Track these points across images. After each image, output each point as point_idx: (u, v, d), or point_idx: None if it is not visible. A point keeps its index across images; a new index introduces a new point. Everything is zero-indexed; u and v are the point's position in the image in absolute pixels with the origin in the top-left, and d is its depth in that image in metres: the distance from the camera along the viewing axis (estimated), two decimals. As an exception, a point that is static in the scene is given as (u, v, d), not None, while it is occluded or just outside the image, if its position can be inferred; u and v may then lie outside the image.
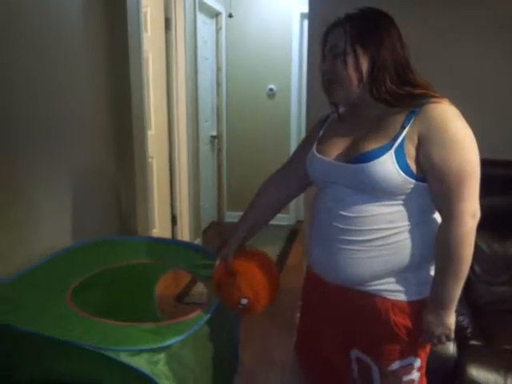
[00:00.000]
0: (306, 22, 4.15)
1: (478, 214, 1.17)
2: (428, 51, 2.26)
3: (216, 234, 4.65)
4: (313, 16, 2.54)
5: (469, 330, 1.88)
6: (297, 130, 4.70)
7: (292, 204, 4.36)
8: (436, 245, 1.22)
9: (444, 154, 1.14)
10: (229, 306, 1.52)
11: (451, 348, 1.83)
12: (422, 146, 1.17)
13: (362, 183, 1.21)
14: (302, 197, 1.73)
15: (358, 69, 1.21)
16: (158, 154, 3.48)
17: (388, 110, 1.23)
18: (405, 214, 1.22)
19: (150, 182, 3.19)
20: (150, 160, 3.17)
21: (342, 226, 1.25)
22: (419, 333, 1.27)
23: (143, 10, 2.85)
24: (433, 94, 1.20)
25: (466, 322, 1.87)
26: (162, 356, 1.33)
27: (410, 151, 1.17)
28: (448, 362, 1.82)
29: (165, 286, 3.03)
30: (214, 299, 1.57)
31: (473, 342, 1.89)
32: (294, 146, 4.65)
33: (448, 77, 2.21)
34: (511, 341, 1.91)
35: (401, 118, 1.20)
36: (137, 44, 2.64)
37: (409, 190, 1.20)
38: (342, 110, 1.39)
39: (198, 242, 4.06)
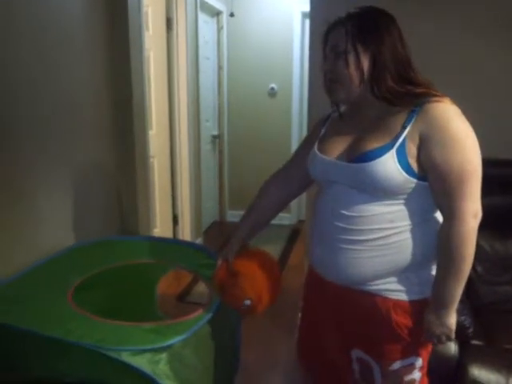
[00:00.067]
0: (307, 21, 4.15)
1: (480, 214, 1.17)
2: (428, 50, 2.25)
3: (217, 233, 4.65)
4: (314, 15, 2.54)
5: (470, 330, 1.87)
6: (298, 129, 4.70)
7: (293, 203, 4.36)
8: (437, 244, 1.22)
9: (445, 153, 1.14)
10: (232, 306, 1.52)
11: (453, 348, 1.83)
12: (423, 145, 1.16)
13: (363, 183, 1.21)
14: (303, 196, 1.73)
15: (359, 68, 1.21)
16: (160, 153, 3.48)
17: (389, 109, 1.23)
18: (406, 213, 1.22)
19: (152, 182, 3.19)
20: (151, 159, 3.17)
21: (343, 226, 1.25)
22: (420, 332, 1.27)
23: (144, 9, 2.85)
24: (434, 92, 1.19)
25: (467, 321, 1.87)
26: (163, 356, 1.33)
27: (412, 150, 1.17)
28: (450, 362, 1.82)
29: (166, 286, 3.04)
30: (216, 299, 1.56)
31: (474, 342, 1.89)
32: (295, 144, 4.65)
33: (448, 75, 2.20)
34: (513, 340, 1.91)
35: (402, 117, 1.19)
36: (138, 43, 2.64)
37: (410, 190, 1.19)
38: (343, 108, 1.39)
39: (199, 241, 4.06)
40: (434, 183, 1.18)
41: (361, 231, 1.23)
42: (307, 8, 2.65)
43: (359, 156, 1.21)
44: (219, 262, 1.52)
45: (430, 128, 1.15)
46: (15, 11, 1.79)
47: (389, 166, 1.16)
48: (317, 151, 1.35)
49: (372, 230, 1.23)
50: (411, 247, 1.23)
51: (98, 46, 2.38)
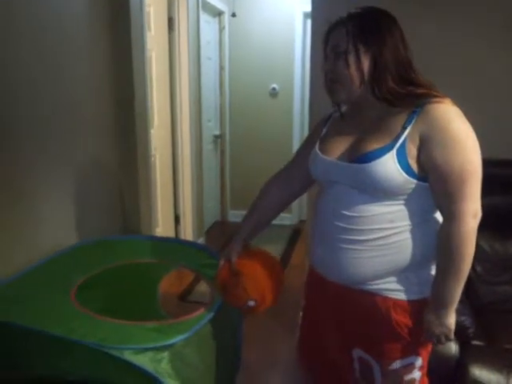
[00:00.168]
0: (308, 22, 4.16)
1: (480, 214, 1.17)
2: (430, 51, 2.26)
3: (219, 233, 4.66)
4: (316, 15, 2.54)
5: (471, 330, 1.88)
6: (299, 129, 4.70)
7: (295, 204, 4.36)
8: (437, 244, 1.22)
9: (446, 154, 1.14)
10: (235, 306, 1.53)
11: (453, 348, 1.83)
12: (423, 146, 1.17)
13: (363, 183, 1.21)
14: (304, 196, 1.73)
15: (359, 68, 1.21)
16: (162, 153, 3.49)
17: (390, 110, 1.23)
18: (406, 213, 1.22)
19: (153, 182, 3.20)
20: (153, 159, 3.18)
21: (343, 226, 1.26)
22: (420, 332, 1.27)
23: (146, 9, 2.86)
24: (435, 93, 1.20)
25: (467, 321, 1.87)
26: (165, 354, 1.34)
27: (412, 151, 1.18)
28: (450, 362, 1.82)
29: (168, 285, 3.04)
30: (217, 298, 1.57)
31: (475, 342, 1.89)
32: (296, 144, 4.65)
33: (450, 76, 2.20)
34: (513, 340, 1.91)
35: (402, 117, 1.20)
36: (140, 43, 2.65)
37: (410, 190, 1.20)
38: (344, 109, 1.39)
39: (201, 241, 4.07)
40: (434, 184, 1.19)
41: (361, 231, 1.24)
42: (309, 8, 2.65)
43: (360, 156, 1.22)
44: (222, 262, 1.52)
45: (430, 129, 1.16)
46: (15, 11, 1.78)
47: (389, 166, 1.17)
48: (318, 151, 1.35)
49: (372, 230, 1.23)
50: (411, 247, 1.23)
51: (100, 45, 2.39)
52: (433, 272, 1.27)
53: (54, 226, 2.08)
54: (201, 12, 3.89)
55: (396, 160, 1.17)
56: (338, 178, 1.28)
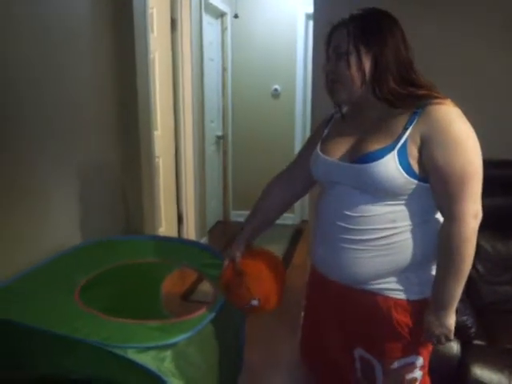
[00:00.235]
0: (310, 23, 4.15)
1: (480, 215, 1.18)
2: (431, 52, 2.26)
3: (222, 233, 4.67)
4: (318, 16, 2.55)
5: (472, 330, 1.88)
6: (301, 130, 4.71)
7: (297, 204, 4.35)
8: (438, 244, 1.22)
9: (447, 155, 1.15)
10: (238, 306, 1.53)
11: (455, 347, 1.83)
12: (424, 146, 1.17)
13: (364, 183, 1.22)
14: (306, 197, 1.74)
15: (360, 69, 1.22)
16: (165, 154, 3.50)
17: (391, 111, 1.23)
18: (407, 213, 1.23)
19: (157, 182, 3.21)
20: (156, 160, 3.19)
21: (345, 226, 1.26)
22: (421, 331, 1.28)
23: (149, 10, 2.87)
24: (436, 94, 1.20)
25: (469, 321, 1.87)
26: (168, 353, 1.35)
27: (413, 152, 1.18)
28: (451, 362, 1.82)
29: (171, 285, 3.05)
30: (220, 298, 1.58)
31: (476, 342, 1.90)
32: (298, 145, 4.66)
33: (451, 77, 2.20)
34: (515, 340, 1.92)
35: (404, 118, 1.20)
36: (143, 44, 2.66)
37: (411, 191, 1.21)
38: (345, 109, 1.40)
39: (203, 240, 4.08)
40: (435, 184, 1.19)
41: (363, 231, 1.25)
42: (311, 9, 2.66)
43: (361, 157, 1.22)
44: (225, 263, 1.52)
45: (431, 130, 1.16)
46: (17, 11, 1.78)
47: (390, 167, 1.17)
48: (319, 152, 1.36)
49: (374, 229, 1.24)
50: (412, 247, 1.24)
51: (103, 47, 2.40)
52: (434, 272, 1.27)
53: (57, 226, 2.09)
54: (203, 13, 3.90)
55: (397, 160, 1.17)
56: (340, 179, 1.29)
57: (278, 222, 1.64)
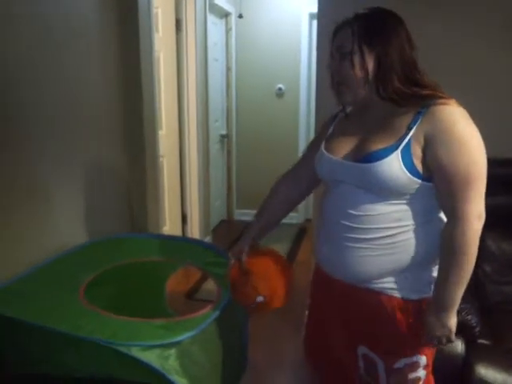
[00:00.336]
0: (315, 22, 4.15)
1: (484, 216, 1.17)
2: (435, 51, 2.26)
3: (226, 232, 4.68)
4: (322, 16, 2.55)
5: (477, 329, 1.87)
6: (305, 129, 4.71)
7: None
8: (440, 245, 1.22)
9: (451, 155, 1.14)
10: (244, 305, 1.53)
11: (459, 347, 1.82)
12: (428, 146, 1.17)
13: (368, 183, 1.22)
14: (310, 195, 1.74)
15: (363, 68, 1.22)
16: (169, 153, 3.51)
17: (395, 110, 1.23)
18: (412, 212, 1.23)
19: (161, 181, 3.22)
20: (160, 159, 3.20)
21: (349, 225, 1.27)
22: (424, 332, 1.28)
23: (154, 10, 2.87)
24: (440, 94, 1.19)
25: (474, 321, 1.87)
26: (172, 351, 1.35)
27: (417, 152, 1.18)
28: (456, 361, 1.81)
29: (175, 283, 3.06)
30: (224, 296, 1.58)
31: (481, 341, 1.89)
32: (302, 144, 4.66)
33: (455, 77, 2.20)
34: (520, 340, 1.91)
35: (408, 118, 1.20)
36: (148, 44, 2.67)
37: (414, 190, 1.20)
38: (349, 109, 1.40)
39: (207, 239, 4.08)
40: (439, 184, 1.19)
41: (367, 230, 1.25)
42: (315, 9, 2.66)
43: (365, 156, 1.22)
44: (231, 261, 1.53)
45: (435, 130, 1.16)
46: (18, 11, 1.78)
47: (394, 166, 1.17)
48: (324, 150, 1.36)
49: (378, 228, 1.24)
50: (417, 246, 1.24)
51: (108, 47, 2.40)
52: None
53: (61, 226, 2.09)
54: (208, 13, 3.91)
55: (401, 160, 1.17)
56: (344, 178, 1.29)
57: (282, 220, 1.64)
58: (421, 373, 1.33)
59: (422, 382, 1.34)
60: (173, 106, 3.56)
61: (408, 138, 1.18)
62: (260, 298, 1.44)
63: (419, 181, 1.19)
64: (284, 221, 1.62)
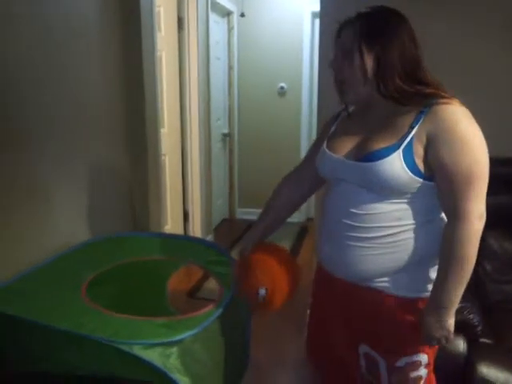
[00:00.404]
0: (317, 21, 4.15)
1: (485, 216, 1.17)
2: (440, 50, 2.25)
3: (227, 230, 4.68)
4: (324, 15, 2.55)
5: (479, 328, 1.87)
6: (307, 127, 4.71)
7: (303, 202, 4.37)
8: (440, 244, 1.21)
9: (454, 154, 1.14)
10: (248, 298, 1.53)
11: (461, 346, 1.82)
12: (430, 145, 1.17)
13: (370, 182, 1.22)
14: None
15: (363, 68, 1.22)
16: (171, 151, 3.51)
17: (397, 109, 1.23)
18: (413, 211, 1.23)
19: (163, 180, 3.22)
20: (162, 158, 3.20)
21: (351, 223, 1.27)
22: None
23: (156, 9, 2.88)
24: (443, 94, 1.19)
25: (476, 319, 1.87)
26: (174, 350, 1.35)
27: (418, 151, 1.18)
28: (458, 360, 1.81)
29: (177, 282, 3.07)
30: (226, 295, 1.59)
31: (483, 340, 1.88)
32: (304, 143, 4.66)
33: (450, 76, 2.19)
34: (522, 339, 1.91)
35: (410, 117, 1.20)
36: (150, 43, 2.66)
37: (416, 189, 1.20)
38: (352, 108, 1.40)
39: (209, 238, 4.09)
40: (440, 183, 1.19)
41: (369, 229, 1.25)
42: (317, 8, 2.65)
43: (366, 155, 1.22)
44: (237, 259, 1.54)
45: (437, 129, 1.15)
46: (18, 11, 1.78)
47: (395, 165, 1.17)
48: (326, 149, 1.36)
49: (380, 227, 1.24)
50: (418, 245, 1.24)
51: (110, 46, 2.40)
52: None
53: (63, 224, 2.10)
54: (210, 12, 3.91)
55: (402, 159, 1.17)
56: (345, 176, 1.29)
57: (283, 219, 1.64)
58: (422, 371, 1.32)
59: (424, 381, 1.34)
60: (175, 104, 3.56)
61: (410, 137, 1.18)
62: (262, 291, 1.43)
63: (420, 180, 1.19)
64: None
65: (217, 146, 4.51)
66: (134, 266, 1.93)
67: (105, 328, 1.39)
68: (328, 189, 1.40)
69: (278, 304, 1.49)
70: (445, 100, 1.18)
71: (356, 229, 1.26)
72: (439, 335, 1.24)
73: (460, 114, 1.17)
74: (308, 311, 1.62)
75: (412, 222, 1.23)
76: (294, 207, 1.62)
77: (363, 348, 1.35)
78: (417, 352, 1.30)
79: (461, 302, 1.23)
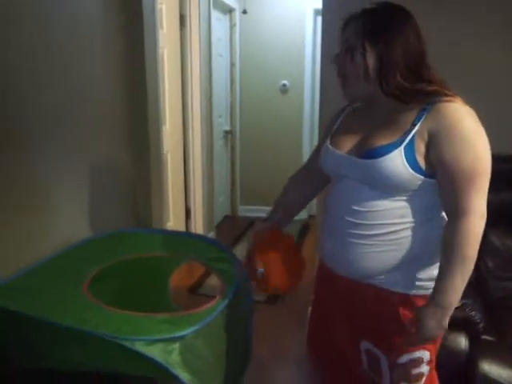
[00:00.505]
0: (319, 18, 4.14)
1: (485, 214, 1.17)
2: (439, 49, 2.24)
3: (229, 227, 4.69)
4: (326, 12, 2.54)
5: (481, 325, 1.87)
6: (309, 125, 4.71)
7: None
8: (442, 242, 1.21)
9: (456, 152, 1.14)
10: (250, 274, 1.55)
11: (463, 343, 1.82)
12: (432, 143, 1.17)
13: (372, 178, 1.22)
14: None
15: (364, 64, 1.22)
16: (173, 148, 3.51)
17: (400, 107, 1.23)
18: (416, 209, 1.23)
19: (165, 177, 3.23)
20: (164, 155, 3.21)
21: (353, 220, 1.27)
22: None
23: (158, 6, 2.87)
24: (446, 92, 1.19)
25: (478, 316, 1.86)
26: (176, 346, 1.35)
27: (420, 148, 1.18)
28: (459, 357, 1.81)
29: (179, 278, 3.07)
30: (228, 291, 1.59)
31: (485, 337, 1.88)
32: (306, 140, 4.66)
33: (452, 75, 2.19)
34: (524, 336, 1.91)
35: (412, 114, 1.20)
36: (152, 40, 2.66)
37: (417, 187, 1.20)
38: (356, 104, 1.40)
39: (211, 235, 4.09)
40: (442, 181, 1.19)
41: (371, 226, 1.25)
42: (319, 5, 2.65)
43: (368, 152, 1.22)
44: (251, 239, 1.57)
45: (439, 126, 1.15)
46: (20, 10, 1.77)
47: (396, 162, 1.17)
48: (329, 145, 1.36)
49: (382, 224, 1.24)
50: (420, 243, 1.24)
51: (112, 45, 2.39)
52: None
53: (69, 219, 2.10)
54: (212, 9, 3.90)
55: (404, 156, 1.17)
56: (348, 172, 1.29)
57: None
58: (424, 368, 1.32)
59: (426, 378, 1.34)
60: (177, 101, 3.56)
61: (412, 134, 1.18)
62: (261, 270, 1.45)
63: (422, 177, 1.19)
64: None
65: (219, 143, 4.51)
66: (137, 263, 1.93)
67: (107, 324, 1.39)
68: (330, 185, 1.40)
69: (275, 283, 1.48)
70: (447, 98, 1.17)
71: (358, 226, 1.26)
72: (435, 334, 1.23)
73: (463, 112, 1.16)
74: (310, 308, 1.62)
75: (414, 219, 1.23)
76: (304, 204, 1.63)
77: (365, 344, 1.35)
78: (419, 349, 1.30)
79: (462, 298, 1.23)
